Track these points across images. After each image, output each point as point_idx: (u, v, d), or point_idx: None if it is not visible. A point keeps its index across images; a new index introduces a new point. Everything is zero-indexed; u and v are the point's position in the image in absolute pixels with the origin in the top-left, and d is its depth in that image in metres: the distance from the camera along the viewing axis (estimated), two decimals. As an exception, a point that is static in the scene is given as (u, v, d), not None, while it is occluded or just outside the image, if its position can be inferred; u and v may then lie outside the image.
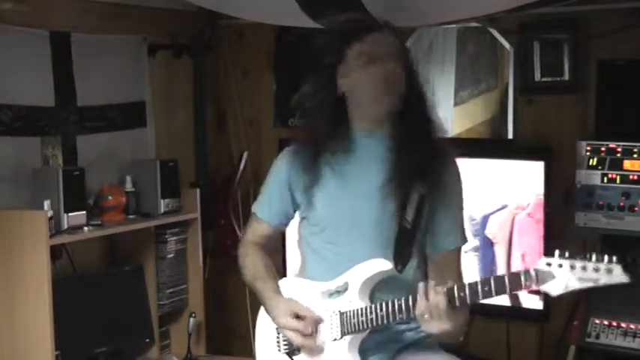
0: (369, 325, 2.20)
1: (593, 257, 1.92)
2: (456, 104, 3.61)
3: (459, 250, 2.38)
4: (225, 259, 3.99)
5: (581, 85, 3.34)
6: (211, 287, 3.93)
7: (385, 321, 2.18)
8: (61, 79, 3.37)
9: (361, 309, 2.21)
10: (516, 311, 3.43)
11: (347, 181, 2.30)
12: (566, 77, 3.34)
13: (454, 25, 3.52)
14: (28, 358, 3.00)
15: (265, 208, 2.48)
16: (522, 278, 1.99)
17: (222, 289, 4.10)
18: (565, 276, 1.95)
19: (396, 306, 2.15)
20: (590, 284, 1.92)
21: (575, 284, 1.94)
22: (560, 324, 3.34)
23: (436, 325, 2.07)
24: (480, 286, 2.04)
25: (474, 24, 3.46)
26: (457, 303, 2.06)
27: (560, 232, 3.35)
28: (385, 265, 2.23)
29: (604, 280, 1.90)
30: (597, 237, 3.16)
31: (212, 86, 4.13)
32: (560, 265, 1.96)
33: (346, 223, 2.30)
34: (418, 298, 2.09)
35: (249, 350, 4.00)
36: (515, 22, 3.40)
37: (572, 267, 1.94)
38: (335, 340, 2.25)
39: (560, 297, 1.98)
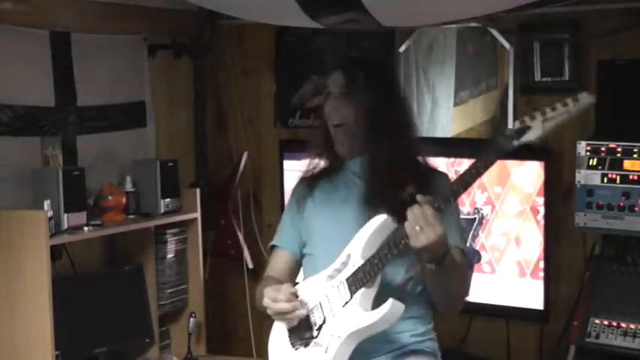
0: (375, 271, 2.20)
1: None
2: (456, 104, 3.60)
3: (461, 252, 2.37)
4: (225, 259, 4.00)
5: (581, 85, 3.33)
6: (211, 287, 3.93)
7: (389, 257, 2.18)
8: (61, 79, 3.36)
9: (364, 263, 2.23)
10: (516, 311, 3.43)
11: (331, 201, 2.45)
12: (566, 77, 3.34)
13: (454, 25, 3.52)
14: (28, 358, 2.99)
15: (278, 235, 2.60)
16: (501, 142, 2.10)
17: (222, 289, 4.10)
18: (539, 121, 2.08)
19: (393, 239, 2.18)
20: (564, 116, 2.06)
21: (550, 122, 2.07)
22: (560, 324, 3.34)
23: (427, 235, 2.08)
24: (467, 172, 2.11)
25: (474, 24, 3.46)
26: (452, 199, 2.13)
27: (560, 232, 3.36)
28: (380, 218, 2.26)
29: (573, 107, 2.06)
30: (597, 237, 3.16)
31: (212, 86, 4.13)
32: (533, 117, 2.09)
33: (331, 238, 2.38)
34: (407, 214, 2.11)
35: (249, 350, 4.02)
36: (515, 22, 3.40)
37: (543, 112, 2.07)
38: (346, 303, 2.25)
39: (540, 139, 2.11)
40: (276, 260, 2.58)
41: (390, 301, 2.17)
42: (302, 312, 2.31)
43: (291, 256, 2.55)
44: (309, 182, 2.54)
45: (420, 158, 2.45)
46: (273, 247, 2.61)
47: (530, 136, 2.08)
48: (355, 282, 2.24)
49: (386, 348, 2.36)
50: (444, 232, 2.10)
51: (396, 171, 2.32)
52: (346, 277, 2.27)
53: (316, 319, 2.32)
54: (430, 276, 2.24)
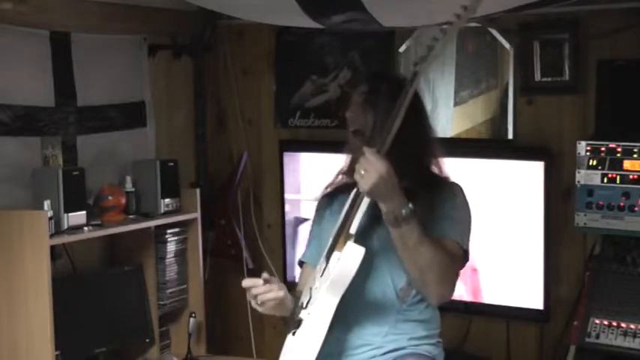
0: (340, 230, 2.30)
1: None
2: (456, 104, 3.60)
3: (455, 244, 2.37)
4: (225, 259, 4.00)
5: (581, 85, 3.34)
6: (211, 287, 3.93)
7: (350, 213, 2.28)
8: (61, 79, 3.37)
9: (336, 231, 2.33)
10: (516, 311, 3.43)
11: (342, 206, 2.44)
12: (566, 77, 3.34)
13: (454, 25, 3.52)
14: (28, 358, 2.99)
15: (305, 251, 2.64)
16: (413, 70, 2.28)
17: (222, 289, 4.10)
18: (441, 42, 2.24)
19: (351, 197, 2.31)
20: (460, 24, 2.24)
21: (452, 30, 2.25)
22: (560, 324, 3.34)
23: (370, 174, 2.18)
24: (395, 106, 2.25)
25: (474, 24, 3.46)
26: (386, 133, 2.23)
27: (560, 232, 3.36)
28: (353, 192, 2.32)
29: (465, 15, 2.21)
30: (597, 237, 3.16)
31: (212, 86, 4.13)
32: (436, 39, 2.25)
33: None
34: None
35: (249, 350, 4.02)
36: (515, 22, 3.40)
37: (444, 32, 2.26)
38: (324, 271, 2.32)
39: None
40: (302, 276, 2.62)
41: (348, 244, 2.24)
42: (266, 287, 2.34)
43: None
44: (330, 195, 2.59)
45: (434, 168, 2.48)
46: (302, 263, 2.65)
47: (435, 53, 2.24)
48: (329, 250, 2.32)
49: (383, 349, 2.37)
50: (388, 168, 2.17)
51: (407, 180, 2.32)
52: (326, 252, 2.35)
53: (305, 299, 2.38)
54: (395, 237, 2.26)
